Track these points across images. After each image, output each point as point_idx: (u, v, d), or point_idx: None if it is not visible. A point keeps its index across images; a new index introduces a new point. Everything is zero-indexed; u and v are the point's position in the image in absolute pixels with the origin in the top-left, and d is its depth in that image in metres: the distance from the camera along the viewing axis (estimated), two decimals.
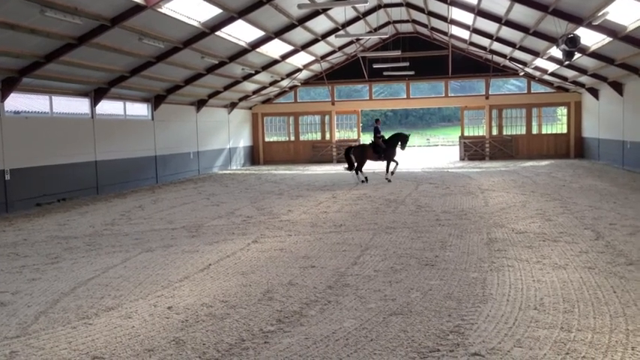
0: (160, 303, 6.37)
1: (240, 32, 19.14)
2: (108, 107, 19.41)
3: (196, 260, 8.48)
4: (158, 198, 16.83)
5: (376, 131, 19.71)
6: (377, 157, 19.53)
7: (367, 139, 26.72)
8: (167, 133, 22.75)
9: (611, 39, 15.93)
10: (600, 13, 13.92)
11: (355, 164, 19.60)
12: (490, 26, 21.01)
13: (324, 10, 19.94)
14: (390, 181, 19.41)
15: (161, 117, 22.22)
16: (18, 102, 15.79)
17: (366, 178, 19.54)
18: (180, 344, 5.10)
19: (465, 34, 24.53)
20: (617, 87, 21.65)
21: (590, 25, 15.24)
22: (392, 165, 19.90)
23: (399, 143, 19.57)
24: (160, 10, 14.32)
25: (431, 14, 22.93)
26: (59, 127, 16.89)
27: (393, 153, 19.69)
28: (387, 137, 19.85)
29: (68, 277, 7.69)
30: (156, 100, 21.72)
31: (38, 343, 5.25)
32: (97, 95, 18.28)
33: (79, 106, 18.14)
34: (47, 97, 16.66)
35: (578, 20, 15.41)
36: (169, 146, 22.91)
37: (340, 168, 25.82)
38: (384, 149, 19.36)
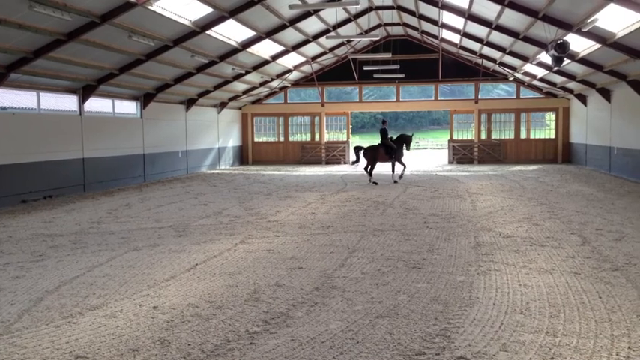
0: (146, 302, 6.32)
1: (231, 32, 19.09)
2: (96, 105, 19.28)
3: (183, 260, 8.43)
4: (145, 197, 16.74)
5: (385, 133, 19.88)
6: (388, 159, 19.75)
7: (357, 140, 26.79)
8: (156, 132, 22.64)
9: (599, 45, 16.05)
10: (590, 20, 14.02)
11: (367, 166, 19.83)
12: (480, 31, 21.11)
13: (316, 11, 19.94)
14: (396, 182, 19.67)
15: (150, 115, 22.11)
16: (5, 98, 15.63)
17: (375, 182, 19.62)
18: (165, 344, 5.07)
19: (455, 38, 24.62)
20: (605, 93, 21.82)
21: (579, 32, 15.34)
22: (400, 168, 20.27)
23: (404, 144, 19.91)
24: (150, 7, 14.23)
25: (422, 17, 23.00)
26: (47, 123, 16.74)
27: (401, 154, 20.05)
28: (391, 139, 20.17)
29: (53, 275, 7.62)
30: (145, 99, 21.61)
31: (21, 341, 5.19)
32: (85, 92, 18.14)
33: (67, 103, 18.00)
34: (35, 94, 16.51)
35: (567, 26, 15.52)
36: (158, 145, 22.81)
37: (331, 169, 25.87)
38: (395, 150, 19.56)
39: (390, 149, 19.63)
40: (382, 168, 22.97)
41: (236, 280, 7.24)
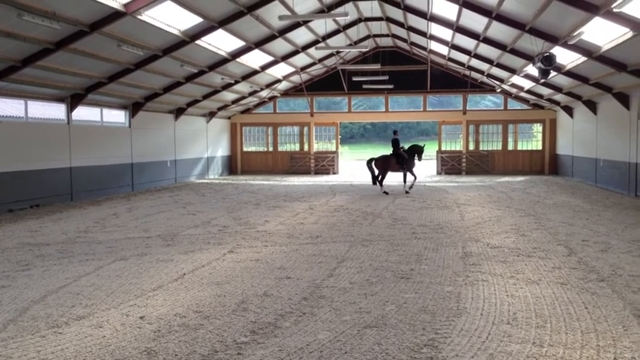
0: (133, 312, 6.28)
1: (221, 42, 19.11)
2: (84, 113, 19.19)
3: (171, 269, 8.39)
4: (133, 206, 16.65)
5: (397, 143, 20.04)
6: (399, 168, 19.89)
7: (346, 150, 26.83)
8: (144, 141, 22.57)
9: (585, 58, 16.23)
10: (575, 33, 14.19)
11: (378, 175, 20.01)
12: (468, 43, 21.28)
13: (305, 22, 20.01)
14: (408, 192, 19.77)
15: (139, 124, 22.04)
16: None
17: (385, 192, 19.77)
18: (152, 355, 5.04)
19: (443, 49, 24.81)
20: (591, 106, 22.05)
21: (565, 45, 15.51)
22: (410, 179, 20.41)
23: (416, 154, 20.07)
24: (139, 17, 14.22)
25: (410, 29, 23.16)
26: (34, 132, 16.64)
27: (413, 164, 20.15)
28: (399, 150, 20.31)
29: (39, 284, 7.56)
30: (134, 108, 21.54)
31: (6, 351, 5.15)
32: (73, 101, 18.07)
33: (55, 111, 17.91)
34: (22, 102, 16.41)
35: (554, 39, 15.69)
36: (146, 154, 22.72)
37: (320, 179, 25.88)
38: (406, 159, 19.65)
39: (402, 159, 19.76)
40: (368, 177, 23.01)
41: (224, 290, 7.22)
